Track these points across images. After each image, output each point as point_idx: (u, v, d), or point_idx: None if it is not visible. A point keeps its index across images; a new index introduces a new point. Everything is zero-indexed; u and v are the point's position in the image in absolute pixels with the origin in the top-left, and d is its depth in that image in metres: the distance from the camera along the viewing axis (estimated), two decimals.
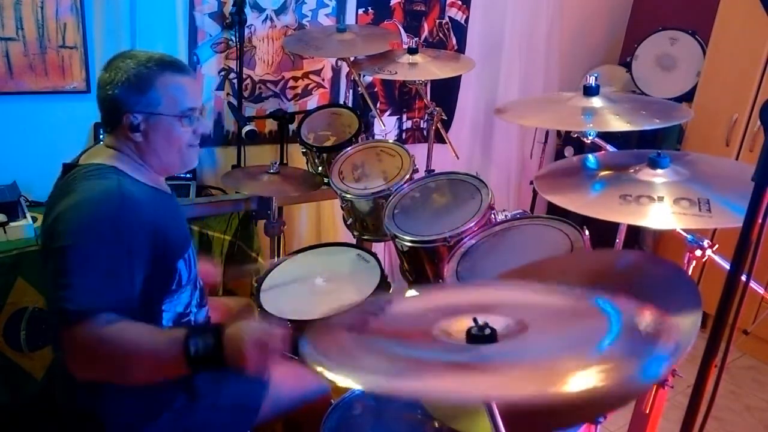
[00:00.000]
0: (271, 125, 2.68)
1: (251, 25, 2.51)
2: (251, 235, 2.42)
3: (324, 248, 2.04)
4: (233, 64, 2.49)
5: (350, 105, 2.70)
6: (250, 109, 2.63)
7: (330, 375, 0.65)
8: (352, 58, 2.29)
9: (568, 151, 3.15)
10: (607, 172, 1.28)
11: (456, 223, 1.62)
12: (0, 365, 1.90)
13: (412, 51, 2.20)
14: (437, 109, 2.20)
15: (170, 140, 1.35)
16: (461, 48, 3.10)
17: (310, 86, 2.76)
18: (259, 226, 2.39)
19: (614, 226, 1.56)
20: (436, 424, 1.36)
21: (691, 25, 3.07)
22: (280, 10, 2.57)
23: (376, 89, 2.95)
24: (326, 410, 1.42)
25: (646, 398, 1.36)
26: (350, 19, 2.74)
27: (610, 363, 0.63)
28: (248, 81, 2.58)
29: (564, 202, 1.19)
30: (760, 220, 0.80)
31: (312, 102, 2.78)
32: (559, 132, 3.30)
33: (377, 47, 2.24)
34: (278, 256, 2.33)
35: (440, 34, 3.03)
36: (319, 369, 0.67)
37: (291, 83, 2.70)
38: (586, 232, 1.45)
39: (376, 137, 2.59)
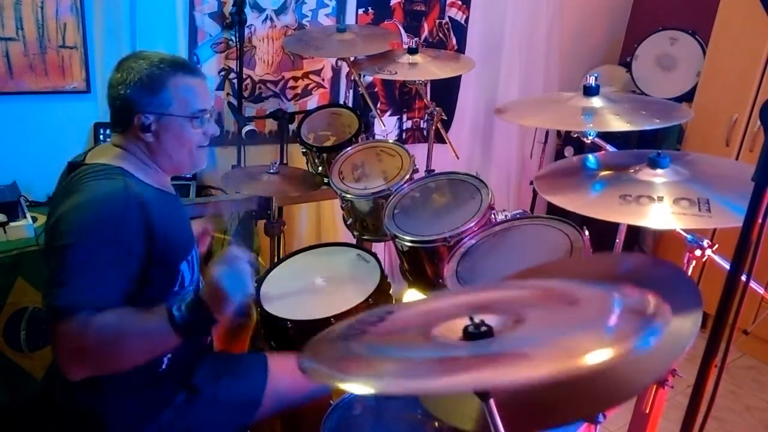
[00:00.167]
0: (271, 125, 2.68)
1: (251, 25, 2.51)
2: (251, 235, 2.42)
3: (324, 248, 2.04)
4: (233, 64, 2.49)
5: (350, 105, 2.70)
6: (250, 109, 2.63)
7: (338, 383, 0.66)
8: (352, 58, 2.29)
9: (568, 151, 3.16)
10: (607, 172, 1.28)
11: (456, 223, 1.62)
12: (0, 365, 1.90)
13: (412, 51, 2.20)
14: (437, 109, 2.20)
15: (181, 141, 1.36)
16: (461, 48, 3.10)
17: (310, 86, 2.76)
18: (259, 226, 2.39)
19: (614, 226, 1.56)
20: (436, 424, 1.36)
21: (691, 25, 3.07)
22: (280, 10, 2.57)
23: (376, 89, 2.95)
24: (326, 410, 1.42)
25: (646, 398, 1.36)
26: (350, 19, 2.74)
27: (615, 337, 0.63)
28: (248, 81, 2.58)
29: (564, 202, 1.19)
30: (760, 220, 0.80)
31: (312, 102, 2.78)
32: (559, 132, 3.30)
33: (377, 47, 2.24)
34: (278, 256, 2.33)
35: (440, 34, 3.03)
36: (326, 380, 0.68)
37: (291, 83, 2.70)
38: (586, 233, 1.45)
39: (377, 137, 2.59)
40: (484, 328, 0.73)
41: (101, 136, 2.28)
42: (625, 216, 1.15)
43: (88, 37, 2.20)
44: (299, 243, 2.78)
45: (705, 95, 2.89)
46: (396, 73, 2.12)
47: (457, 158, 2.24)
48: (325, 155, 2.23)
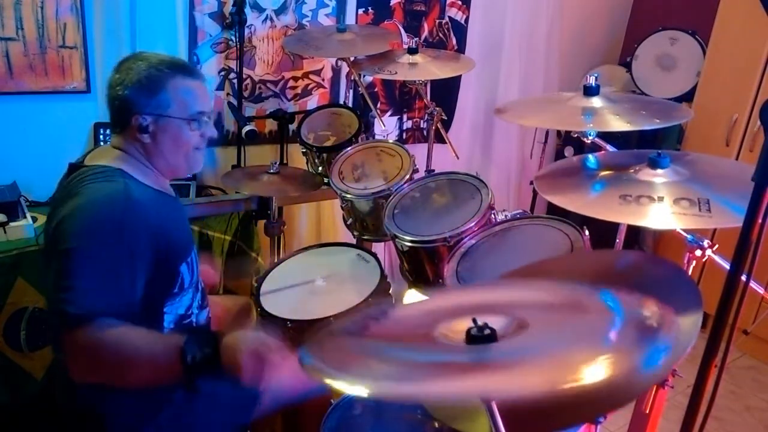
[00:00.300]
0: (271, 125, 2.68)
1: (251, 25, 2.51)
2: (251, 235, 2.42)
3: (324, 248, 2.04)
4: (233, 64, 2.49)
5: (350, 105, 2.70)
6: (250, 109, 2.63)
7: (334, 383, 0.65)
8: (352, 58, 2.29)
9: (568, 151, 3.15)
10: (607, 172, 1.28)
11: (456, 223, 1.62)
12: (0, 365, 1.90)
13: (412, 51, 2.20)
14: (437, 109, 2.20)
15: (178, 143, 1.35)
16: (461, 48, 3.10)
17: (310, 86, 2.76)
18: (259, 226, 2.39)
19: (614, 226, 1.56)
20: (436, 424, 1.36)
21: (691, 25, 3.07)
22: (280, 10, 2.57)
23: (376, 89, 2.95)
24: (326, 410, 1.42)
25: (646, 398, 1.36)
26: (350, 19, 2.74)
27: (616, 354, 0.63)
28: (248, 81, 2.58)
29: (564, 202, 1.19)
30: (760, 220, 0.80)
31: (312, 102, 2.78)
32: (559, 132, 3.30)
33: (377, 47, 2.24)
34: (278, 256, 2.33)
35: (440, 34, 3.03)
36: (323, 378, 0.68)
37: (291, 83, 2.70)
38: (586, 232, 1.45)
39: (377, 137, 2.59)
40: (487, 332, 0.73)
41: (101, 137, 2.27)
42: (625, 216, 1.15)
43: (88, 37, 2.20)
44: (299, 243, 2.78)
45: (705, 95, 2.89)
46: (396, 73, 2.12)
47: (457, 158, 2.24)
48: (325, 155, 2.23)
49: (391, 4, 2.85)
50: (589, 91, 1.47)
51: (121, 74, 1.31)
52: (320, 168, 2.28)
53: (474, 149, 3.35)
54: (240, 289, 2.36)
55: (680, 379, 1.30)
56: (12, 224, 1.91)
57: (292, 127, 2.52)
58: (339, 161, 2.08)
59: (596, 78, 1.49)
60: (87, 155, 1.37)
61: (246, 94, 2.57)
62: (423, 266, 1.69)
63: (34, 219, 1.98)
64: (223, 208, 2.32)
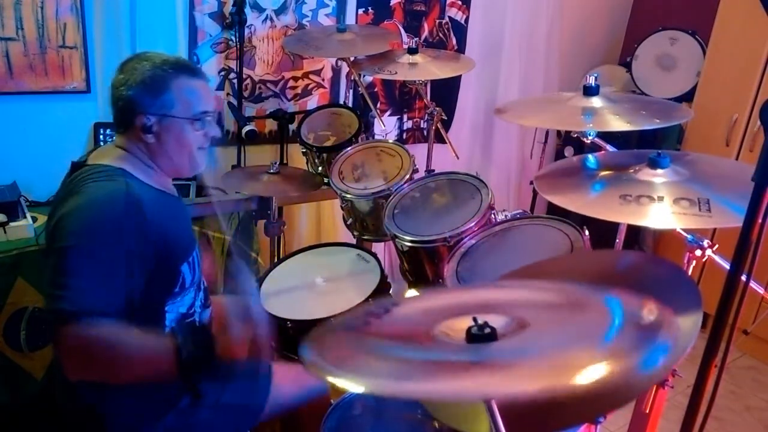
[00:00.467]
0: (271, 125, 2.68)
1: (251, 25, 2.51)
2: (251, 235, 2.42)
3: (324, 248, 2.04)
4: (233, 64, 2.49)
5: (350, 105, 2.70)
6: (250, 109, 2.63)
7: (334, 380, 0.65)
8: (352, 58, 2.29)
9: (568, 151, 3.15)
10: (607, 172, 1.28)
11: (456, 223, 1.62)
12: (0, 365, 1.90)
13: (412, 51, 2.20)
14: (437, 109, 2.20)
15: (182, 143, 1.36)
16: (461, 48, 3.10)
17: (310, 86, 2.76)
18: (259, 226, 2.39)
19: (614, 226, 1.56)
20: (436, 424, 1.36)
21: (691, 25, 3.07)
22: (280, 10, 2.57)
23: (376, 89, 2.95)
24: (326, 410, 1.42)
25: (646, 398, 1.36)
26: (350, 19, 2.74)
27: (615, 354, 0.63)
28: (248, 81, 2.58)
29: (564, 202, 1.19)
30: (760, 220, 0.80)
31: (312, 102, 2.78)
32: (559, 132, 3.30)
33: (377, 47, 2.24)
34: (278, 256, 2.33)
35: (440, 34, 3.03)
36: (323, 375, 0.68)
37: (291, 83, 2.70)
38: (586, 232, 1.45)
39: (376, 137, 2.59)
40: (487, 330, 0.73)
41: (101, 136, 2.27)
42: (625, 216, 1.15)
43: (88, 37, 2.20)
44: (299, 243, 2.78)
45: (705, 95, 2.89)
46: (396, 73, 2.12)
47: (457, 158, 2.24)
48: (325, 155, 2.23)
49: (391, 4, 2.85)
50: (589, 91, 1.47)
51: (125, 74, 1.31)
52: (320, 168, 2.28)
53: (474, 149, 3.35)
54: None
55: (680, 379, 1.30)
56: (12, 224, 1.91)
57: (292, 127, 2.52)
58: (339, 161, 2.08)
59: (596, 78, 1.49)
60: (90, 154, 1.38)
61: (246, 94, 2.57)
62: (423, 266, 1.69)
63: (34, 219, 1.98)
64: (224, 208, 2.32)
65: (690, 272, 1.28)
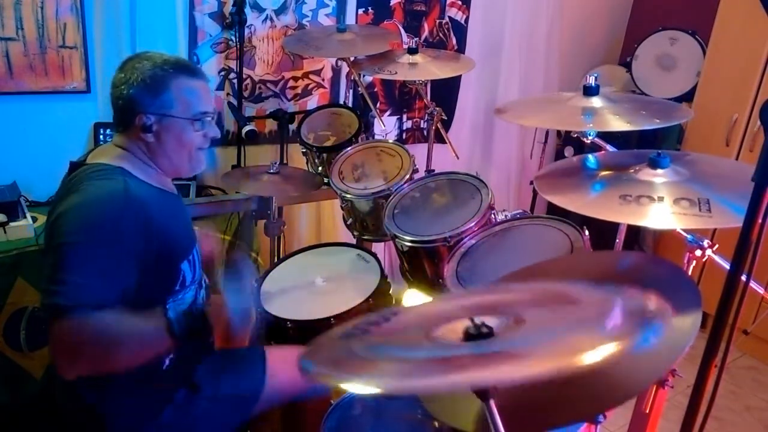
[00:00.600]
0: (271, 125, 2.68)
1: (251, 25, 2.51)
2: (251, 235, 2.42)
3: (324, 248, 2.04)
4: (233, 64, 2.49)
5: (350, 105, 2.70)
6: (250, 109, 2.63)
7: (333, 382, 0.66)
8: (352, 58, 2.29)
9: (568, 151, 3.15)
10: (607, 172, 1.28)
11: (456, 223, 1.62)
12: (0, 365, 1.90)
13: (412, 51, 2.20)
14: (437, 109, 2.20)
15: (181, 143, 1.36)
16: (461, 48, 3.10)
17: (310, 86, 2.76)
18: (259, 226, 2.39)
19: (614, 226, 1.56)
20: (436, 424, 1.36)
21: (691, 25, 3.07)
22: (280, 10, 2.57)
23: (376, 89, 2.95)
24: (326, 410, 1.42)
25: (646, 398, 1.36)
26: (350, 19, 2.74)
27: (613, 338, 0.63)
28: (248, 81, 2.58)
29: (564, 202, 1.19)
30: (760, 220, 0.80)
31: (312, 102, 2.78)
32: (559, 132, 3.30)
33: (377, 47, 2.24)
34: (278, 256, 2.33)
35: (440, 34, 3.03)
36: (324, 380, 0.68)
37: (291, 83, 2.70)
38: (586, 232, 1.45)
39: (376, 137, 2.59)
40: (484, 329, 0.73)
41: (101, 136, 2.27)
42: (625, 216, 1.15)
43: (88, 37, 2.20)
44: (299, 243, 2.78)
45: (705, 95, 2.89)
46: (396, 73, 2.12)
47: (457, 158, 2.24)
48: (325, 155, 2.23)
49: (391, 4, 2.85)
50: (589, 91, 1.47)
51: (125, 74, 1.31)
52: (320, 168, 2.28)
53: (474, 149, 3.35)
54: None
55: (680, 379, 1.30)
56: (12, 224, 1.92)
57: (292, 127, 2.52)
58: (339, 161, 2.08)
59: (596, 78, 1.49)
60: (89, 154, 1.38)
61: (246, 94, 2.57)
62: (423, 266, 1.69)
63: (34, 219, 1.98)
64: (223, 208, 2.32)
65: (690, 272, 1.28)
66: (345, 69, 2.79)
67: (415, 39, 2.93)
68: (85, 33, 2.19)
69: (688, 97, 3.01)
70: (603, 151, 1.56)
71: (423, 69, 2.17)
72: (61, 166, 1.39)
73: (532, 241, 1.55)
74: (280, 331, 1.70)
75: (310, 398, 1.55)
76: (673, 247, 3.01)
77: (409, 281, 1.80)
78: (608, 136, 1.58)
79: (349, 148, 2.12)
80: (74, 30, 2.17)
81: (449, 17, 3.02)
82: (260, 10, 2.52)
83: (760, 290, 1.23)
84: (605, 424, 1.21)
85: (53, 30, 2.13)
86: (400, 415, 1.41)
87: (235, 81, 2.50)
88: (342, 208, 2.07)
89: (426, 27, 2.98)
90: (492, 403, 0.72)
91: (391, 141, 2.19)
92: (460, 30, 3.07)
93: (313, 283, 1.83)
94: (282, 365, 1.52)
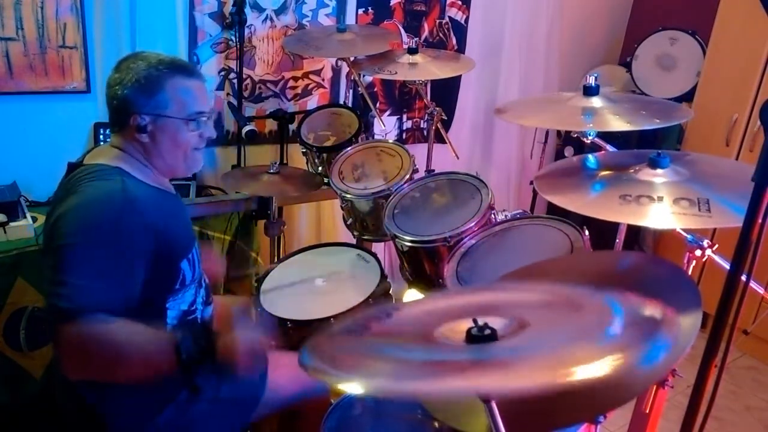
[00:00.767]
0: (271, 125, 2.68)
1: (251, 25, 2.51)
2: (251, 235, 2.42)
3: (324, 248, 2.04)
4: (233, 64, 2.49)
5: (350, 105, 2.70)
6: (250, 109, 2.63)
7: (333, 381, 0.66)
8: (352, 58, 2.29)
9: (568, 151, 3.15)
10: (607, 172, 1.28)
11: (456, 223, 1.62)
12: (0, 365, 1.90)
13: (412, 51, 2.20)
14: (437, 109, 2.20)
15: (176, 143, 1.36)
16: (461, 48, 3.10)
17: (310, 86, 2.76)
18: (259, 226, 2.39)
19: (614, 226, 1.56)
20: (436, 424, 1.36)
21: (691, 25, 3.07)
22: (280, 10, 2.57)
23: (376, 89, 2.95)
24: (326, 410, 1.42)
25: (646, 398, 1.36)
26: (350, 19, 2.74)
27: (617, 351, 0.63)
28: (248, 81, 2.58)
29: (564, 202, 1.19)
30: (760, 220, 0.80)
31: (312, 102, 2.78)
32: (559, 132, 3.30)
33: (377, 47, 2.24)
34: (278, 256, 2.33)
35: (440, 34, 3.03)
36: (323, 377, 0.68)
37: (291, 83, 2.70)
38: (586, 232, 1.45)
39: (376, 137, 2.59)
40: (487, 331, 0.73)
41: (101, 136, 2.27)
42: (625, 216, 1.15)
43: (88, 37, 2.20)
44: (299, 243, 2.78)
45: (705, 95, 2.89)
46: (396, 73, 2.13)
47: (457, 158, 2.24)
48: (325, 155, 2.23)
49: (391, 4, 2.85)
50: (589, 91, 1.47)
51: (120, 73, 1.31)
52: (320, 168, 2.28)
53: (474, 149, 3.35)
54: (240, 289, 2.36)
55: (680, 379, 1.30)
56: (12, 224, 1.91)
57: (292, 127, 2.52)
58: (339, 161, 2.08)
59: (596, 78, 1.49)
60: (86, 154, 1.38)
61: (246, 94, 2.57)
62: (423, 266, 1.69)
63: (34, 219, 1.98)
64: (223, 208, 2.32)
65: (690, 272, 1.28)
66: (345, 69, 2.79)
67: (415, 39, 2.93)
68: (85, 33, 2.19)
69: (688, 97, 3.01)
70: (603, 151, 1.56)
71: (423, 69, 2.17)
72: (61, 166, 1.39)
73: (532, 241, 1.55)
74: (280, 331, 1.70)
75: (310, 399, 1.55)
76: (673, 247, 3.01)
77: (409, 281, 1.80)
78: (608, 136, 1.58)
79: (349, 148, 2.12)
80: (74, 30, 2.17)
81: (449, 17, 3.02)
82: (260, 10, 2.52)
83: (760, 290, 1.23)
84: (605, 424, 1.21)
85: (53, 30, 2.13)
86: (400, 415, 1.41)
87: (235, 81, 2.50)
88: (342, 208, 2.07)
89: (426, 27, 2.98)
90: (493, 404, 0.72)
91: (391, 141, 2.19)
92: (460, 30, 3.07)
93: (313, 283, 1.83)
94: (283, 369, 1.52)
